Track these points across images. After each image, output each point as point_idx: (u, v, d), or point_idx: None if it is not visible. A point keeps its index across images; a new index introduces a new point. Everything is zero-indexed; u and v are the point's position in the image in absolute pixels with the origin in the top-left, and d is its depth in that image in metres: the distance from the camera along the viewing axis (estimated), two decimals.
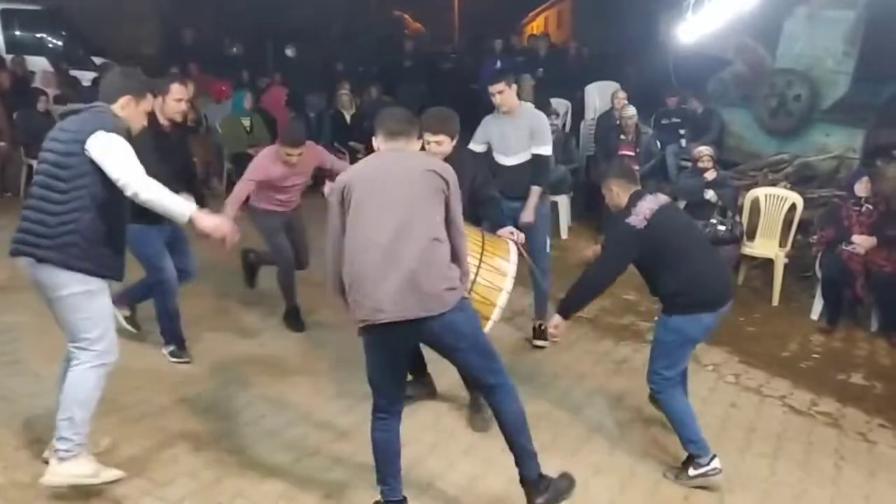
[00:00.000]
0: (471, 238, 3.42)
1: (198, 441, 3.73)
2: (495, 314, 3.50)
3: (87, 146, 3.03)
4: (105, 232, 3.13)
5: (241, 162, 8.66)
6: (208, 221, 3.18)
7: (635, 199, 3.64)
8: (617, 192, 3.72)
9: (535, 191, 4.86)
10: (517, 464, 3.12)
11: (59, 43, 11.66)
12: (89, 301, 3.14)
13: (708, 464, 3.59)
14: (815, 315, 6.04)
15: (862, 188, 5.94)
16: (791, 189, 6.96)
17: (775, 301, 6.34)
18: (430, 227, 2.95)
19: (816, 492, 3.72)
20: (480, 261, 3.51)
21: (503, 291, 3.52)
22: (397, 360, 3.10)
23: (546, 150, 4.90)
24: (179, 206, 3.12)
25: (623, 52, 10.88)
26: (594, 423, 4.22)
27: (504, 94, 4.78)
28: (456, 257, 3.04)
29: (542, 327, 5.01)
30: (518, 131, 4.86)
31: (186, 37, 11.72)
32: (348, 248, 2.95)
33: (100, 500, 3.20)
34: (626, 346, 5.38)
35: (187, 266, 4.60)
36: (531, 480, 3.10)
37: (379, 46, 12.99)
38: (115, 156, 3.04)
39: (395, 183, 2.97)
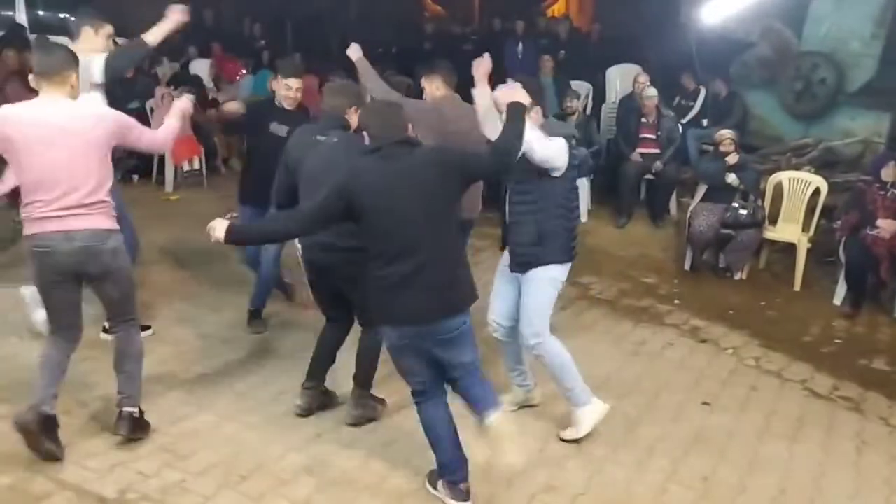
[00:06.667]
0: None
1: (219, 415, 3.77)
2: None
3: None
4: None
5: None
6: None
7: None
8: None
9: None
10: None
11: None
12: None
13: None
14: (837, 300, 5.98)
15: (889, 173, 5.86)
16: (815, 173, 6.88)
17: (797, 286, 6.29)
18: None
19: (837, 474, 3.70)
20: None
21: None
22: None
23: None
24: None
25: (645, 35, 10.75)
26: (610, 405, 4.18)
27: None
28: None
29: None
30: None
31: (207, 17, 11.74)
32: None
33: (123, 470, 3.24)
34: (645, 328, 5.36)
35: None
36: None
37: (398, 28, 12.93)
38: None
39: None
